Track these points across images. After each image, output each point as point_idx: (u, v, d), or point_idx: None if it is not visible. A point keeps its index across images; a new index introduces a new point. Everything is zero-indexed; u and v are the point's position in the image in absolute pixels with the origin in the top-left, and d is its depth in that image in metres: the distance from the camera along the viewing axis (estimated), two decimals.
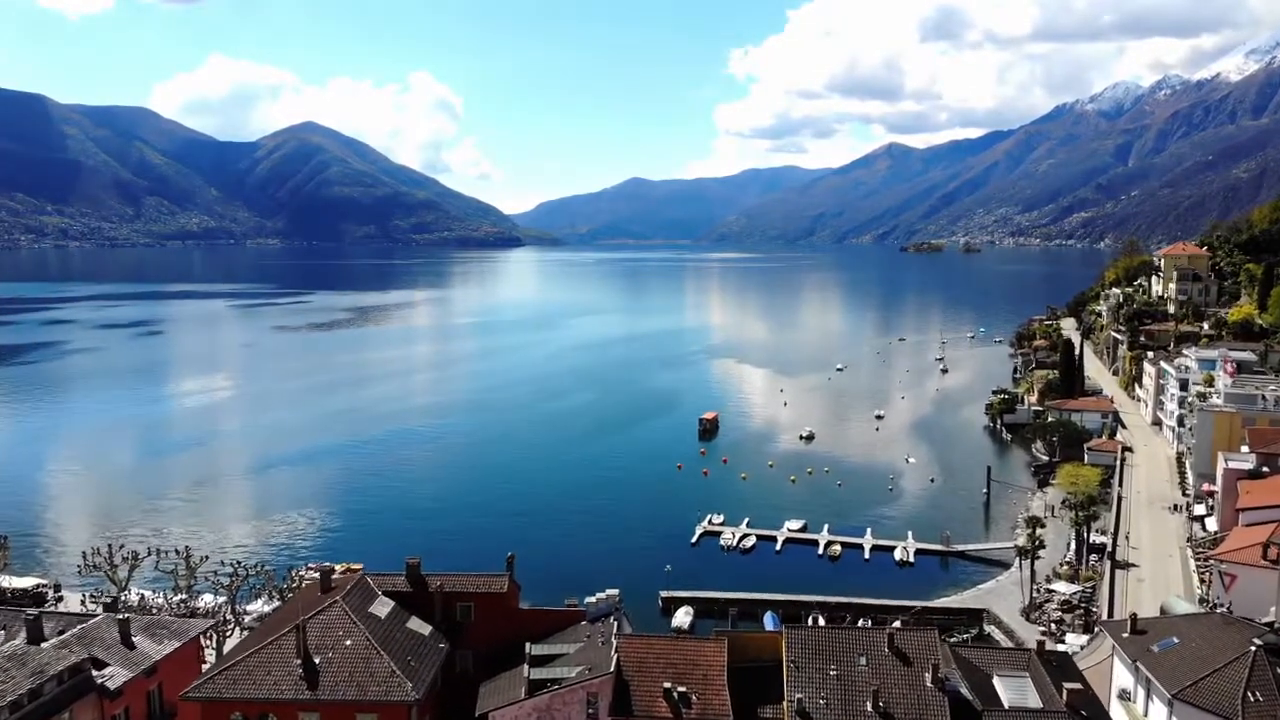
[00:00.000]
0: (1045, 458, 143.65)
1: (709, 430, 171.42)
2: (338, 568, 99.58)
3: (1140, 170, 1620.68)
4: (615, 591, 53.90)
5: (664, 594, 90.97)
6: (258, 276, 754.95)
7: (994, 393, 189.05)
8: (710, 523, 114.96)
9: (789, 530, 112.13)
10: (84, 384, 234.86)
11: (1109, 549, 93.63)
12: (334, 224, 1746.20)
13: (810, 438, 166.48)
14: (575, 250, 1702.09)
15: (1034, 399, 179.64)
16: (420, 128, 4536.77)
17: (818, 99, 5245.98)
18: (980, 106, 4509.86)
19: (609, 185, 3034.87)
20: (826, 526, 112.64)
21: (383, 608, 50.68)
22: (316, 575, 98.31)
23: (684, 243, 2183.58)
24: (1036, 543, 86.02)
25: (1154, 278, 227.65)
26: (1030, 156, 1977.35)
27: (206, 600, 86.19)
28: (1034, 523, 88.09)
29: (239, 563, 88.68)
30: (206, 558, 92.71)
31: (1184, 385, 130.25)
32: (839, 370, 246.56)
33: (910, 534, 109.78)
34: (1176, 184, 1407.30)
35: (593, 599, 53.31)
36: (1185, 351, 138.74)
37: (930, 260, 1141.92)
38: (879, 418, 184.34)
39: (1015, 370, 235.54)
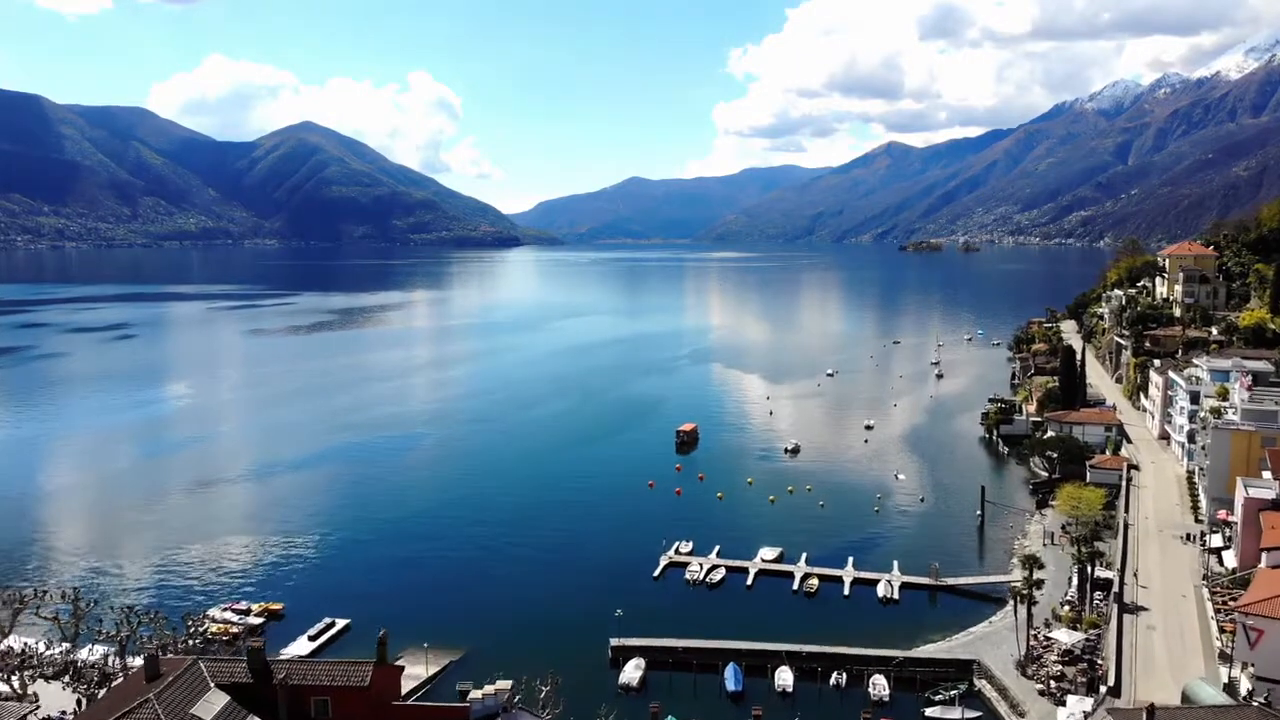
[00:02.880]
0: (1044, 474, 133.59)
1: (687, 443, 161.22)
2: (254, 608, 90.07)
3: (1140, 169, 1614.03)
4: (507, 685, 43.68)
5: (615, 642, 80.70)
6: (251, 278, 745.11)
7: (990, 401, 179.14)
8: (677, 552, 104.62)
9: (763, 560, 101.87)
10: (29, 394, 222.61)
11: (1115, 588, 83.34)
12: (332, 224, 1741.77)
13: (795, 451, 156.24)
14: (573, 250, 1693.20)
15: (1032, 409, 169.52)
16: (419, 127, 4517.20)
17: (817, 98, 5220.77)
18: (980, 105, 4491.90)
19: (608, 185, 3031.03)
20: (804, 556, 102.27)
21: (210, 706, 40.47)
22: (230, 617, 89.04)
23: (683, 242, 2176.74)
24: (1034, 585, 75.57)
25: (1158, 279, 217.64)
26: (1029, 155, 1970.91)
27: (84, 654, 75.66)
28: (1031, 563, 77.63)
29: (130, 608, 78.39)
30: (96, 602, 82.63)
31: (1195, 398, 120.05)
32: (830, 375, 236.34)
33: (896, 565, 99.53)
34: (1176, 182, 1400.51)
35: (478, 694, 43.09)
36: (1195, 360, 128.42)
37: (929, 259, 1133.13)
38: (868, 428, 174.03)
39: (1013, 376, 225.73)
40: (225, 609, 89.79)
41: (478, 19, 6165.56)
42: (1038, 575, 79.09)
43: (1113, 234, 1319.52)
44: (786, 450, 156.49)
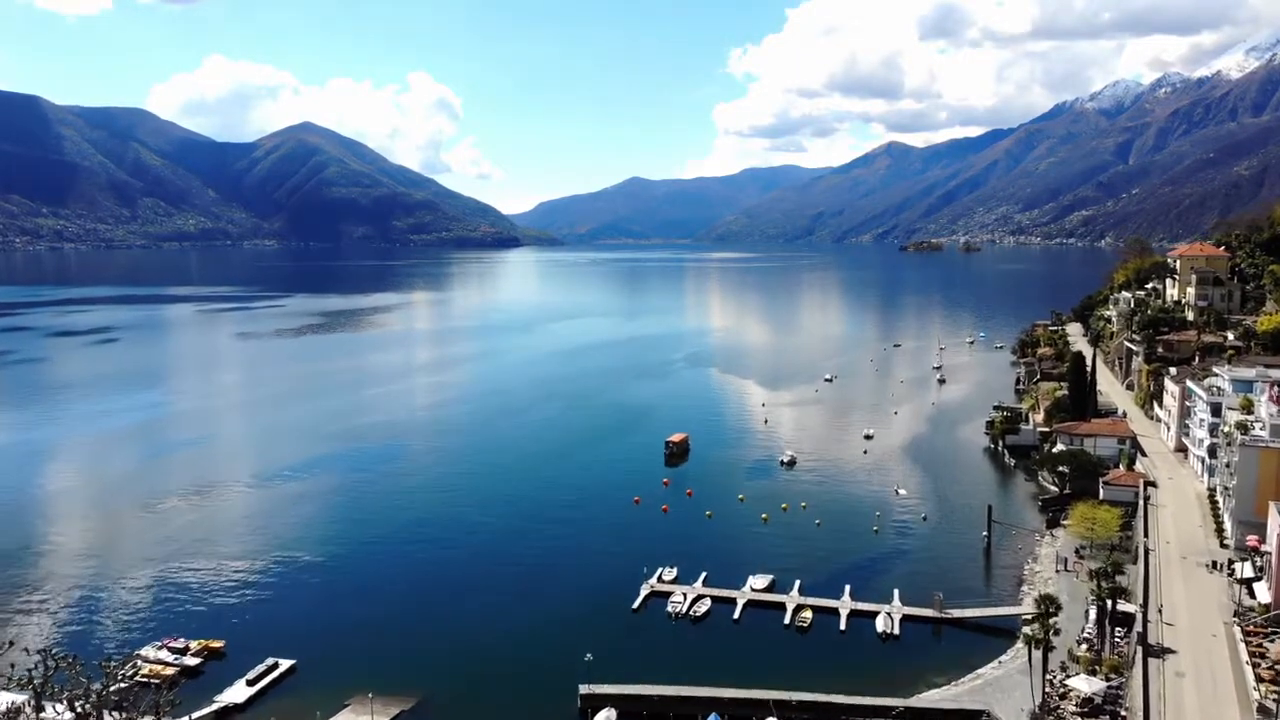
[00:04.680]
0: (1054, 490, 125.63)
1: (677, 454, 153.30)
2: (192, 645, 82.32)
3: (1141, 168, 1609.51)
4: None
5: (584, 690, 72.85)
6: (247, 279, 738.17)
7: (995, 408, 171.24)
8: (660, 579, 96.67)
9: (752, 589, 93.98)
10: None
11: (1138, 625, 75.40)
12: (332, 225, 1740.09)
13: (791, 463, 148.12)
14: (573, 250, 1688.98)
15: (1039, 418, 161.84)
16: (419, 128, 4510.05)
17: (817, 98, 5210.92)
18: (980, 105, 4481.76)
19: (609, 185, 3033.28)
20: (798, 584, 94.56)
21: None
22: (164, 656, 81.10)
23: (683, 242, 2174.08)
24: (1050, 630, 67.66)
25: (1168, 280, 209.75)
26: (1030, 155, 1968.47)
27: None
28: (1046, 604, 69.76)
29: (47, 650, 70.45)
30: (12, 642, 74.65)
31: (1216, 410, 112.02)
32: (828, 381, 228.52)
33: (896, 594, 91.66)
34: (1177, 182, 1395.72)
35: None
36: (1216, 370, 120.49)
37: (929, 259, 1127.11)
38: (868, 438, 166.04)
39: (1018, 381, 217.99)
40: (161, 646, 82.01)
41: (478, 19, 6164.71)
42: (1053, 613, 71.28)
43: (1114, 234, 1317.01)
44: (782, 462, 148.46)
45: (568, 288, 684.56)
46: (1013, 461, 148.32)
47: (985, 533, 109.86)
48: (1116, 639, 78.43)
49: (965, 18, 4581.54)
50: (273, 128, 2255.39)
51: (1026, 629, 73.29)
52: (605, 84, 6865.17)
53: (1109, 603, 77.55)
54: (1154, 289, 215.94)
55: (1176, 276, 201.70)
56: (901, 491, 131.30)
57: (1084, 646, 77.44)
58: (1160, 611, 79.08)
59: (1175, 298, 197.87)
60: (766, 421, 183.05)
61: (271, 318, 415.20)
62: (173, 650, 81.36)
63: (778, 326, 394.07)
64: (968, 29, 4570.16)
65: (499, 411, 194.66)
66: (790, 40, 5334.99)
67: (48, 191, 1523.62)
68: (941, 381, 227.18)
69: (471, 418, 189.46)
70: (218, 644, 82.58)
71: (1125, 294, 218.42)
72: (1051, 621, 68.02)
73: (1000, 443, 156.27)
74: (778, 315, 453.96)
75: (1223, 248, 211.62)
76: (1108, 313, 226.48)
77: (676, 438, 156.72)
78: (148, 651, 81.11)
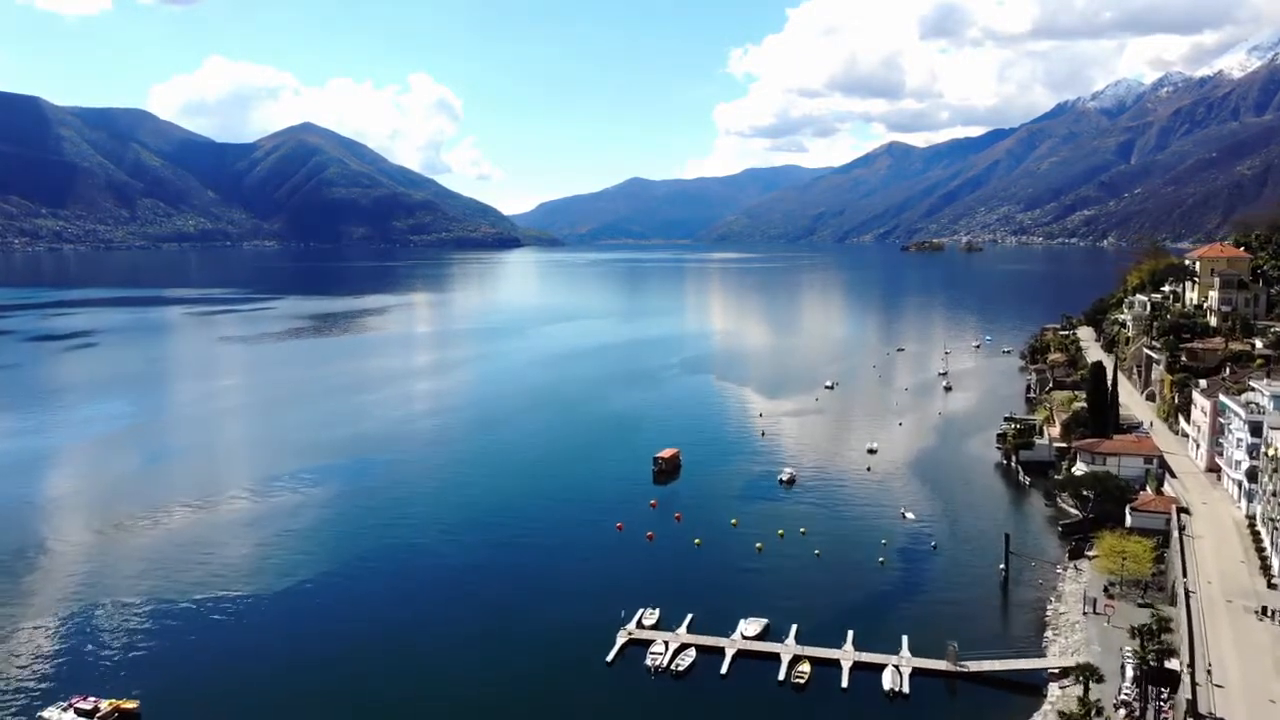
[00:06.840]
0: (1076, 514, 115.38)
1: (666, 471, 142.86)
2: (104, 705, 72.08)
3: (1142, 168, 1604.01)
4: None
5: None
6: (242, 280, 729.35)
7: (1006, 420, 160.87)
8: (640, 624, 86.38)
9: (743, 636, 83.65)
10: None
11: (1185, 691, 64.99)
12: (332, 225, 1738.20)
13: (790, 482, 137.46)
14: (574, 250, 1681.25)
15: (1055, 431, 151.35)
16: (420, 128, 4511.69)
17: (818, 98, 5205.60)
18: (981, 104, 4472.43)
19: (609, 185, 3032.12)
20: (794, 630, 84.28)
21: None
22: (68, 716, 70.77)
23: (684, 242, 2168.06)
24: (1092, 709, 57.41)
25: (1187, 283, 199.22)
26: (1032, 154, 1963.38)
27: None
28: (1087, 675, 59.57)
29: None
30: None
31: (1256, 430, 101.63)
32: (829, 388, 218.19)
33: (905, 642, 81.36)
34: (1179, 181, 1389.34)
35: None
36: (1253, 383, 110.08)
37: (931, 259, 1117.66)
38: (871, 452, 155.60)
39: (1029, 389, 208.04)
40: (68, 706, 71.78)
41: (478, 19, 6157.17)
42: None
43: (1116, 233, 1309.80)
44: (780, 481, 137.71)
45: (566, 289, 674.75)
46: (1027, 480, 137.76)
47: (1002, 565, 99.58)
48: (1159, 703, 68.25)
49: (966, 17, 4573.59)
50: (273, 128, 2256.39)
51: (1058, 693, 63.17)
52: (605, 84, 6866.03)
53: (1157, 660, 67.21)
54: (1172, 292, 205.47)
55: (1196, 279, 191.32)
56: (909, 515, 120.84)
57: (1122, 713, 67.18)
58: (1209, 672, 68.75)
59: (1195, 301, 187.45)
60: (764, 434, 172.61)
61: (262, 321, 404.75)
62: (80, 712, 71.14)
63: (777, 329, 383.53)
64: (968, 28, 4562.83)
65: (480, 423, 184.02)
66: (791, 40, 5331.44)
67: (47, 192, 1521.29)
68: (948, 389, 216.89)
69: (450, 431, 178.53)
70: (130, 705, 72.29)
71: (1140, 297, 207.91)
72: (1093, 699, 57.67)
73: (1013, 458, 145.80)
74: (777, 317, 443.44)
75: (1242, 249, 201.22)
76: (1122, 316, 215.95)
77: (666, 454, 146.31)
78: (52, 713, 71.23)
